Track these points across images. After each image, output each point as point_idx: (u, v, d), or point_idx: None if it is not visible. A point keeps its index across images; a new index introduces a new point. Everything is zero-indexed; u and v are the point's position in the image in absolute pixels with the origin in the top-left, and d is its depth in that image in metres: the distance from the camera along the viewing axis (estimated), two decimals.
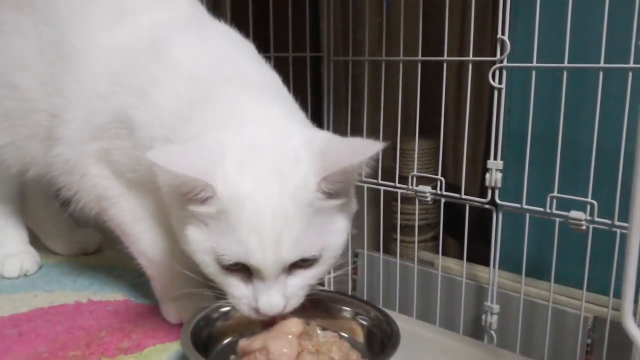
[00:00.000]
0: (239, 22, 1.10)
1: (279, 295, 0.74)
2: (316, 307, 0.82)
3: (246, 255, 0.72)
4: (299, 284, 0.76)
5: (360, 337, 0.87)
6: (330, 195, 0.75)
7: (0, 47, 0.99)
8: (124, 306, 0.99)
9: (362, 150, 0.72)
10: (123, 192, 0.91)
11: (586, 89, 1.34)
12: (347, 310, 0.89)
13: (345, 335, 0.86)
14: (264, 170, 0.73)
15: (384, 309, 0.88)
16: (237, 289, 0.75)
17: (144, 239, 0.93)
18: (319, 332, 0.79)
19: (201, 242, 0.74)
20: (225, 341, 0.83)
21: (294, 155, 0.75)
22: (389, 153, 1.96)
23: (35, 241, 1.22)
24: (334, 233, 0.77)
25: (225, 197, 0.71)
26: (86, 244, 1.25)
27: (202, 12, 1.02)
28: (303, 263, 0.75)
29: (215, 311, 0.84)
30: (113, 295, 1.03)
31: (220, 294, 0.79)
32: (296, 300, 0.77)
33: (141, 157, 0.84)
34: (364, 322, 0.87)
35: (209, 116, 0.80)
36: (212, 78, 0.84)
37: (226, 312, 0.84)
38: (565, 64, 1.23)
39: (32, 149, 1.00)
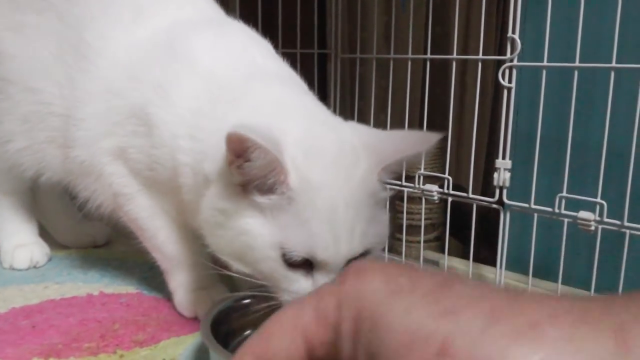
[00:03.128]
0: (247, 17, 1.10)
1: None
2: None
3: (317, 249, 0.70)
4: None
5: None
6: (383, 186, 0.77)
7: (21, 49, 0.98)
8: (137, 299, 0.98)
9: (422, 140, 0.76)
10: (140, 188, 0.91)
11: (596, 88, 1.35)
12: None
13: None
14: (328, 160, 0.72)
15: None
16: (297, 284, 0.73)
17: (159, 235, 0.92)
18: None
19: (266, 236, 0.71)
20: (245, 334, 0.81)
21: (352, 146, 0.75)
22: None
23: (43, 234, 1.21)
24: (384, 224, 0.79)
25: (296, 184, 0.70)
26: (95, 237, 1.25)
27: (220, 13, 1.02)
28: (360, 254, 0.76)
29: (235, 303, 0.82)
30: (125, 288, 1.02)
31: (233, 287, 0.78)
32: None
33: (160, 156, 0.84)
34: None
35: (235, 113, 0.78)
36: (232, 75, 0.84)
37: (246, 305, 0.82)
38: (577, 64, 1.23)
39: (48, 154, 0.99)
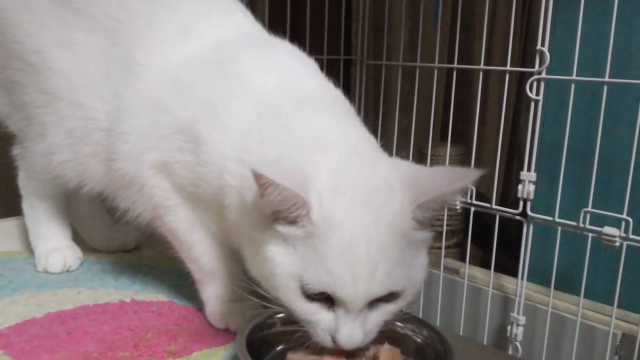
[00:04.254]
0: (276, 23, 1.11)
1: (360, 329, 0.71)
2: None
3: (334, 286, 0.69)
4: (378, 320, 0.74)
5: (410, 353, 0.85)
6: (421, 225, 0.73)
7: (70, 66, 0.99)
8: (168, 307, 0.99)
9: (461, 177, 0.71)
10: (181, 201, 0.91)
11: (624, 102, 1.34)
12: (399, 326, 0.87)
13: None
14: (358, 196, 0.71)
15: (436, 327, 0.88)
16: (316, 316, 0.72)
17: (197, 247, 0.93)
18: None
19: (287, 266, 0.72)
20: (278, 349, 0.83)
21: (387, 182, 0.73)
22: (415, 158, 1.96)
23: (74, 238, 1.23)
24: (418, 267, 0.75)
25: (317, 219, 0.69)
26: (125, 242, 1.26)
27: (263, 31, 1.02)
28: (386, 297, 0.72)
29: (270, 318, 0.83)
30: (156, 295, 1.04)
31: (267, 303, 0.79)
32: (372, 336, 0.74)
33: (205, 174, 0.84)
34: (417, 339, 0.87)
35: (282, 139, 0.79)
36: (281, 99, 0.83)
37: (279, 321, 0.83)
38: (607, 79, 1.22)
39: (91, 166, 1.00)
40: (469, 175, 0.72)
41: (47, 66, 1.00)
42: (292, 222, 0.71)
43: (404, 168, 0.76)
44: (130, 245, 1.27)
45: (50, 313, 0.95)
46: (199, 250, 0.93)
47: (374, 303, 0.72)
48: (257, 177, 0.68)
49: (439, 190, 0.71)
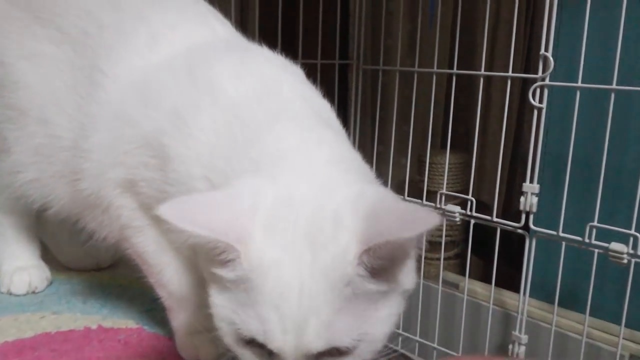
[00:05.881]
0: (267, 27, 1.04)
1: None
2: None
3: (265, 336, 0.62)
4: None
5: None
6: (374, 274, 0.62)
7: (36, 79, 0.93)
8: (137, 336, 0.93)
9: (417, 221, 0.59)
10: (149, 222, 0.85)
11: (632, 111, 1.28)
12: None
13: None
14: (297, 234, 0.62)
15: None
16: None
17: (166, 272, 0.86)
18: None
19: (221, 308, 0.66)
20: None
21: (335, 216, 0.63)
22: (414, 166, 1.90)
23: (45, 254, 1.16)
24: (375, 321, 0.65)
25: (248, 263, 0.62)
26: (99, 259, 1.19)
27: (239, 37, 0.96)
28: (331, 351, 0.63)
29: None
30: (125, 321, 0.97)
31: None
32: None
33: (174, 194, 0.77)
34: None
35: (247, 156, 0.72)
36: (254, 110, 0.76)
37: None
38: (614, 86, 1.15)
39: (57, 188, 0.93)
40: (424, 222, 0.59)
41: (12, 79, 0.94)
42: (224, 264, 0.63)
43: (368, 198, 0.65)
44: (105, 263, 1.20)
45: (7, 342, 0.88)
46: (169, 275, 0.86)
47: (320, 357, 0.64)
48: (163, 221, 0.61)
49: (390, 234, 0.59)
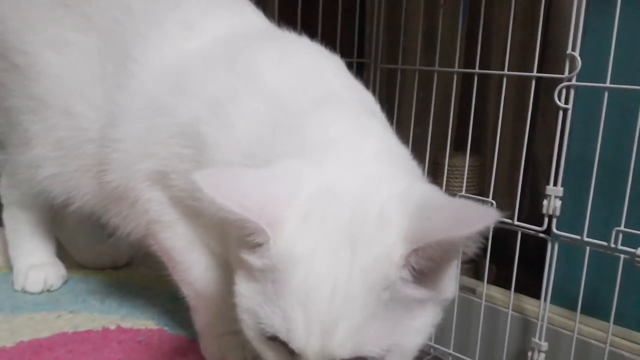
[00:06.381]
0: (286, 24, 1.02)
1: None
2: None
3: (287, 335, 0.58)
4: None
5: None
6: (418, 277, 0.58)
7: (61, 69, 0.90)
8: (157, 337, 0.89)
9: (475, 218, 0.55)
10: (179, 217, 0.81)
11: None
12: None
13: None
14: (337, 228, 0.58)
15: None
16: None
17: (194, 269, 0.82)
18: None
19: (246, 299, 0.62)
20: None
21: (382, 213, 0.59)
22: (430, 168, 1.87)
23: (60, 251, 1.13)
24: (409, 331, 0.60)
25: (277, 251, 0.58)
26: (115, 258, 1.16)
27: (272, 26, 0.93)
28: None
29: None
30: (144, 322, 0.93)
31: None
32: None
33: None
34: None
35: (291, 141, 0.68)
36: (298, 97, 0.72)
37: None
38: None
39: (81, 183, 0.90)
40: (482, 219, 0.54)
41: (35, 69, 0.91)
42: (253, 248, 0.59)
43: (417, 194, 0.61)
44: (122, 261, 1.17)
45: (23, 342, 0.85)
46: (197, 273, 0.82)
47: None
48: (197, 188, 0.57)
49: (443, 232, 0.55)
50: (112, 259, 1.16)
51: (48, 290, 1.04)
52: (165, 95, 0.80)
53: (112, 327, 0.91)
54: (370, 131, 0.71)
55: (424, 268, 0.58)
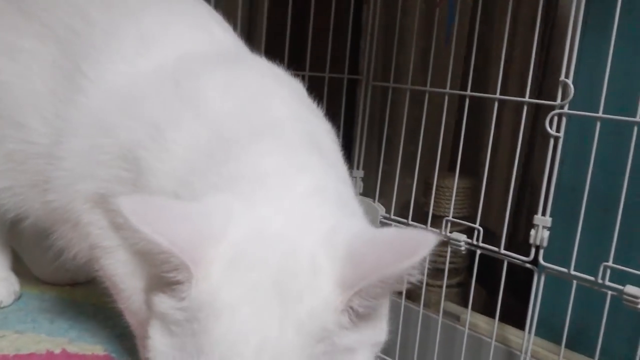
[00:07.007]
0: (274, 36, 0.98)
1: None
2: None
3: None
4: None
5: None
6: (356, 321, 0.54)
7: (13, 77, 0.86)
8: None
9: (412, 247, 0.52)
10: (120, 243, 0.77)
11: None
12: None
13: None
14: (266, 276, 0.54)
15: None
16: None
17: (137, 297, 0.77)
18: None
19: (162, 355, 0.56)
20: None
21: (312, 259, 0.55)
22: (420, 187, 1.82)
23: (19, 265, 1.09)
24: None
25: (198, 294, 0.53)
26: (74, 274, 1.11)
27: (240, 44, 0.89)
28: None
29: None
30: (92, 347, 0.88)
31: None
32: None
33: None
34: None
35: (221, 173, 0.65)
36: (238, 127, 0.69)
37: None
38: (637, 119, 1.08)
39: (30, 198, 0.86)
40: (421, 246, 0.52)
41: None
42: (171, 289, 0.55)
43: (342, 234, 0.57)
44: (81, 278, 1.12)
45: None
46: (139, 302, 0.77)
47: None
48: (119, 214, 0.53)
49: (383, 269, 0.52)
50: (70, 275, 1.11)
51: None
52: (110, 115, 0.76)
53: (57, 350, 0.86)
54: (305, 167, 0.67)
55: (364, 309, 0.55)
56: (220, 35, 0.86)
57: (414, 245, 0.52)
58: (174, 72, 0.76)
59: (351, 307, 0.54)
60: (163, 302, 0.55)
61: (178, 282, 0.54)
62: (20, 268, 1.08)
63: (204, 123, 0.70)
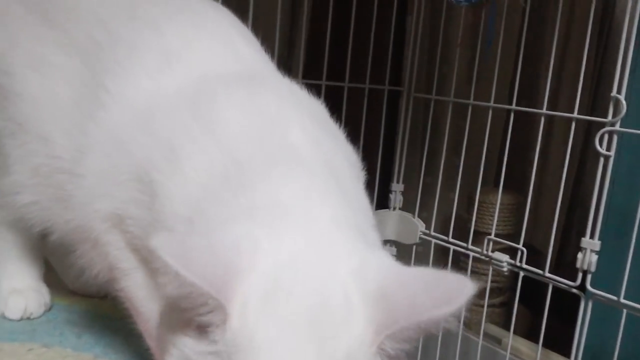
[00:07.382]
0: (315, 46, 0.95)
1: None
2: None
3: None
4: None
5: None
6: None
7: (41, 93, 0.84)
8: None
9: (452, 294, 0.50)
10: (138, 265, 0.75)
11: None
12: None
13: None
14: (301, 312, 0.52)
15: None
16: None
17: (156, 321, 0.76)
18: None
19: None
20: None
21: (344, 296, 0.53)
22: (463, 202, 1.77)
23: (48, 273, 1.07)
24: None
25: (234, 335, 0.51)
26: (101, 287, 1.10)
27: (267, 63, 0.86)
28: None
29: None
30: None
31: None
32: None
33: None
34: None
35: (239, 201, 0.62)
36: (254, 153, 0.66)
37: None
38: None
39: (55, 213, 0.84)
40: (459, 295, 0.50)
41: (15, 91, 0.85)
42: (201, 332, 0.53)
43: (372, 271, 0.55)
44: (111, 291, 1.10)
45: None
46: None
47: None
48: (155, 257, 0.51)
49: (418, 315, 0.50)
50: (97, 288, 1.09)
51: (28, 318, 0.99)
52: (128, 134, 0.74)
53: None
54: (325, 194, 0.64)
55: (396, 351, 0.53)
56: (244, 51, 0.83)
57: (451, 292, 0.51)
58: (193, 93, 0.74)
59: (382, 349, 0.52)
60: (189, 346, 0.54)
61: (210, 324, 0.53)
62: (50, 278, 1.07)
63: (221, 148, 0.68)
